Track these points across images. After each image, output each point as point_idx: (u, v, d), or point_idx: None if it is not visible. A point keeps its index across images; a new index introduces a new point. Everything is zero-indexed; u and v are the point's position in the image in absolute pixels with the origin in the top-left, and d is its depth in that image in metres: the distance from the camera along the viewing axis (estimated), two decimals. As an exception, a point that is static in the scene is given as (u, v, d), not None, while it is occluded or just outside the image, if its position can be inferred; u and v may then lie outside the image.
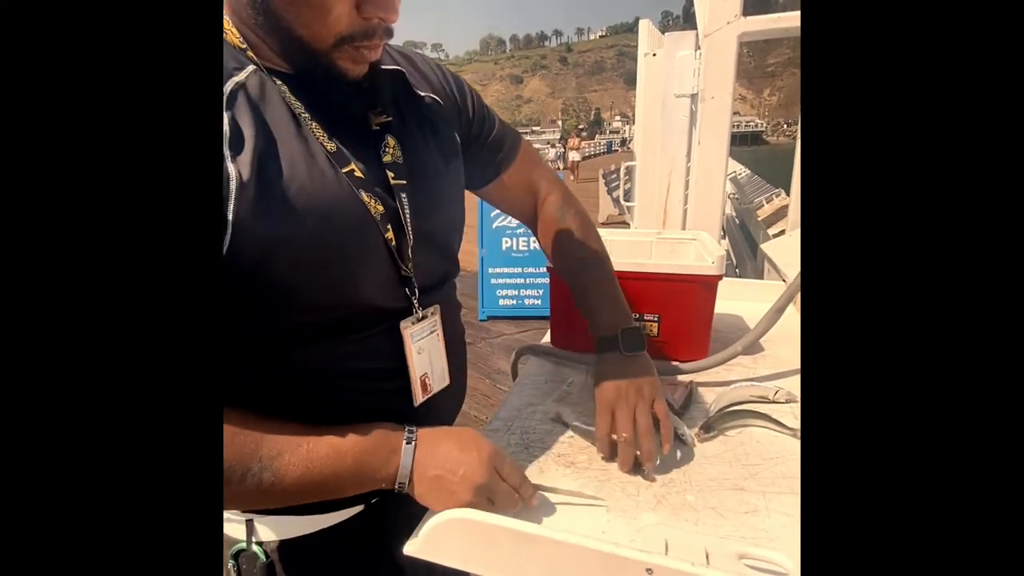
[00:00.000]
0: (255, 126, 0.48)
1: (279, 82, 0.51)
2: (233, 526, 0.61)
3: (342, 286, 0.53)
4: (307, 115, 0.51)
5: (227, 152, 0.45)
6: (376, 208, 0.54)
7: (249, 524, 0.60)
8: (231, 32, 0.50)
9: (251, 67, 0.50)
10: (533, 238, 3.92)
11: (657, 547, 0.50)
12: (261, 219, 0.46)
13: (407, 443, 0.53)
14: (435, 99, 0.65)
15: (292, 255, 0.48)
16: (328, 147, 0.52)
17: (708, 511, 0.55)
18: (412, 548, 0.54)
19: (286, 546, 0.60)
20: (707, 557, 0.49)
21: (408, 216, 0.57)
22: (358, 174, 0.53)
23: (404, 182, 0.57)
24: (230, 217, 0.45)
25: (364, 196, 0.53)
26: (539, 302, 3.76)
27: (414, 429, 0.55)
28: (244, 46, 0.51)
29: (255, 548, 0.60)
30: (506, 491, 0.54)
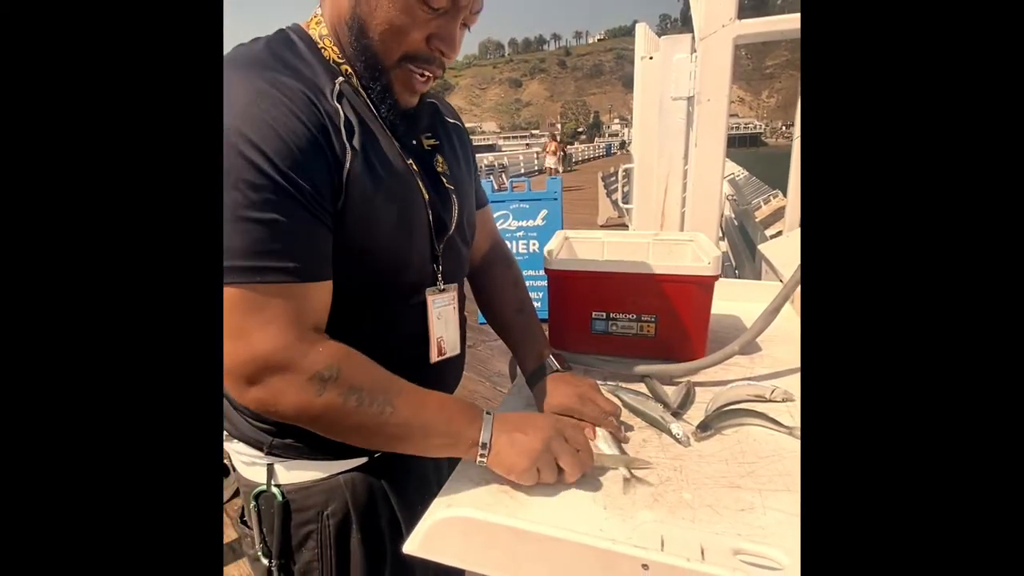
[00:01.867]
0: (357, 117, 0.60)
1: (361, 92, 0.63)
2: (256, 470, 0.70)
3: (397, 251, 0.64)
4: (382, 118, 0.64)
5: (343, 131, 0.57)
6: (425, 195, 0.66)
7: (270, 468, 0.69)
8: (331, 49, 0.62)
9: (342, 77, 0.61)
10: (532, 242, 3.94)
11: (653, 543, 0.51)
12: (363, 187, 0.58)
13: (487, 414, 0.62)
14: (458, 124, 0.81)
15: (373, 220, 0.60)
16: (396, 143, 0.65)
17: (705, 508, 0.56)
18: (411, 547, 0.55)
19: (301, 488, 0.68)
20: (702, 553, 0.49)
21: (457, 209, 0.71)
22: (415, 167, 0.67)
23: (452, 187, 0.71)
24: (344, 180, 0.57)
25: (419, 183, 0.66)
26: (538, 305, 3.76)
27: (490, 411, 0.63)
28: (342, 60, 0.62)
29: (274, 490, 0.68)
30: (570, 450, 0.60)
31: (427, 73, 0.63)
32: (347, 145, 0.57)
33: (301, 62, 0.59)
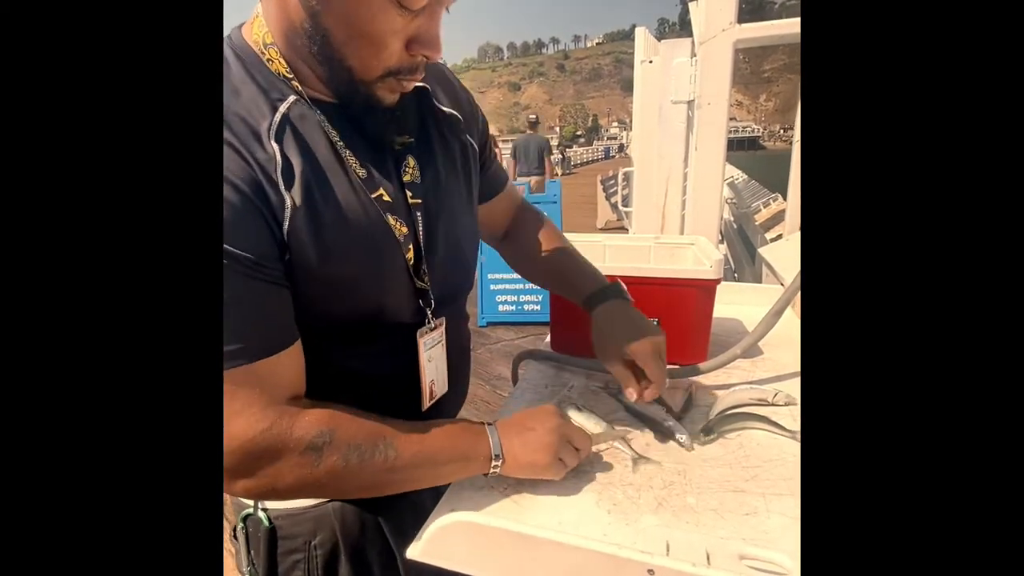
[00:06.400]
0: (301, 157, 0.52)
1: (318, 111, 0.55)
2: None
3: (368, 300, 0.58)
4: (341, 143, 0.55)
5: (280, 181, 0.50)
6: (400, 230, 0.58)
7: None
8: (278, 61, 0.54)
9: (292, 97, 0.53)
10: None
11: (658, 548, 0.51)
12: (309, 240, 0.52)
13: (489, 426, 0.60)
14: (455, 113, 0.69)
15: (331, 273, 0.54)
16: (360, 174, 0.56)
17: (709, 513, 0.56)
18: (415, 552, 0.55)
19: (288, 515, 0.64)
20: (708, 558, 0.49)
21: (422, 234, 0.61)
22: (386, 198, 0.58)
23: (420, 201, 0.61)
24: (285, 237, 0.51)
25: (391, 219, 0.58)
26: (539, 308, 3.76)
27: (491, 422, 0.61)
28: (291, 75, 0.54)
29: (260, 514, 0.64)
30: (577, 430, 0.62)
31: (413, 79, 0.56)
32: (285, 197, 0.50)
33: (232, 96, 0.51)
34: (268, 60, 0.54)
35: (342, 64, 0.52)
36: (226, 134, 0.48)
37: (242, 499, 0.66)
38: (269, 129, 0.51)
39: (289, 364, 0.53)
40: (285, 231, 0.51)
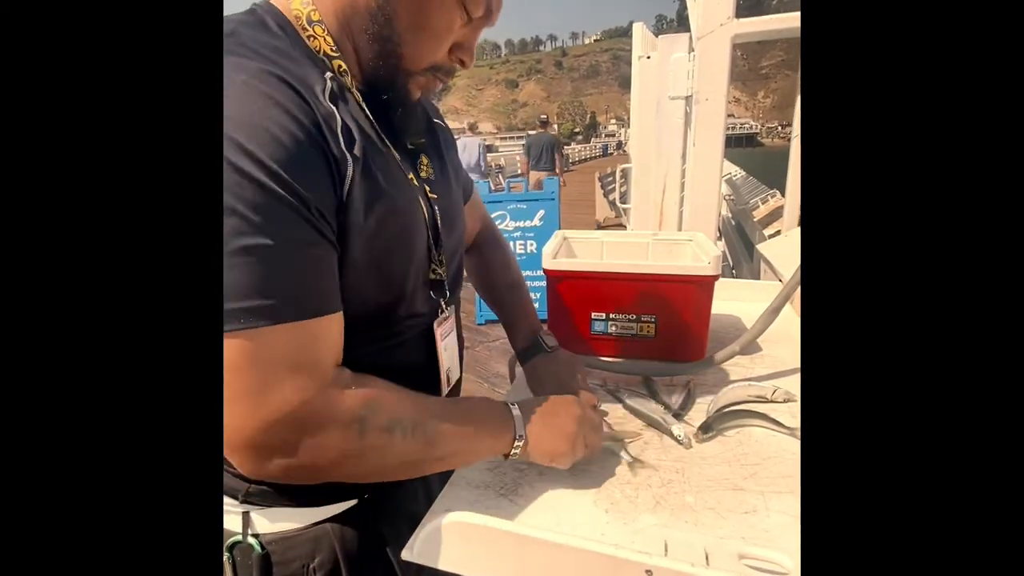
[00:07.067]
0: (355, 124, 0.52)
1: (354, 91, 0.55)
2: (230, 518, 0.61)
3: (397, 278, 0.57)
4: (376, 125, 0.56)
5: (343, 141, 0.49)
6: (426, 212, 0.61)
7: (245, 516, 0.60)
8: (322, 39, 0.53)
9: (329, 74, 0.52)
10: (530, 242, 3.94)
11: (656, 548, 0.50)
12: (366, 203, 0.51)
13: (512, 406, 0.60)
14: (443, 125, 0.75)
15: (377, 244, 0.53)
16: (395, 154, 0.58)
17: (707, 511, 0.55)
18: (409, 554, 0.54)
19: (282, 539, 0.60)
20: (707, 557, 0.48)
21: (440, 225, 0.63)
22: (414, 182, 0.60)
23: (436, 196, 0.64)
24: (345, 196, 0.49)
25: (421, 201, 0.60)
26: (536, 306, 3.75)
27: (513, 402, 0.61)
28: (335, 54, 0.54)
29: (251, 540, 0.60)
30: (595, 426, 0.63)
31: (444, 80, 0.59)
32: (347, 154, 0.49)
33: (280, 54, 0.49)
34: (309, 37, 0.53)
35: (395, 50, 0.54)
36: (288, 77, 0.46)
37: (226, 527, 0.61)
38: (323, 91, 0.50)
39: (339, 327, 0.49)
40: (346, 190, 0.49)
